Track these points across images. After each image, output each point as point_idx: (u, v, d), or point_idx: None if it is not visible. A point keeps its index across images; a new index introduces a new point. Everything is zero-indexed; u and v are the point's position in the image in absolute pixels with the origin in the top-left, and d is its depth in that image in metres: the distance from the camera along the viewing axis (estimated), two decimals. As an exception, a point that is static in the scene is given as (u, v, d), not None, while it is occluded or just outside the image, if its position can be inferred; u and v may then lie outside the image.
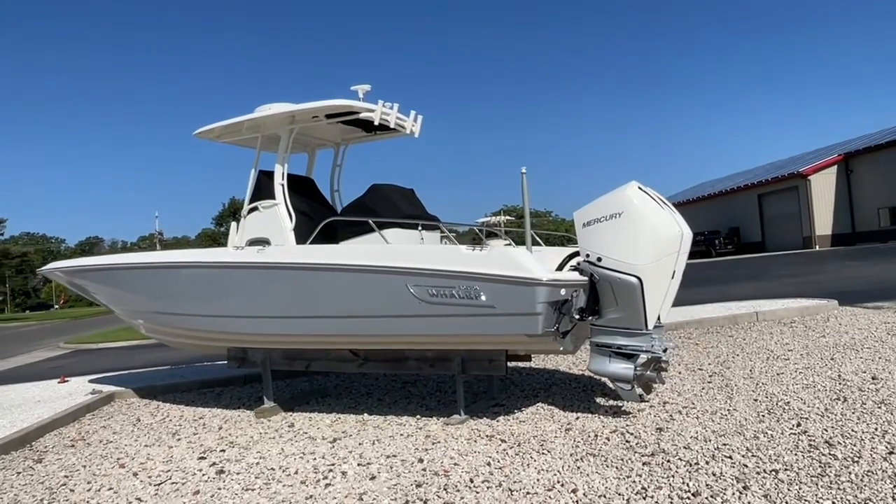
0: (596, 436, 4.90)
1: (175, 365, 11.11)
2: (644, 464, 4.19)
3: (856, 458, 3.90)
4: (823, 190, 36.04)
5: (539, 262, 4.98)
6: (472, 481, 4.15)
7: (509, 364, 5.62)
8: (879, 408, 4.86)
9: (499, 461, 4.51)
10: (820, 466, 3.85)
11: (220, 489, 4.46)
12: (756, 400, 5.49)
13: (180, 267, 6.62)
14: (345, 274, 5.50)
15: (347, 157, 7.65)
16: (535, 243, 6.52)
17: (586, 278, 5.13)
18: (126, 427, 6.84)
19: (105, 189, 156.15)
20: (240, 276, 6.20)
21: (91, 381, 9.83)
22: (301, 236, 6.21)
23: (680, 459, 4.20)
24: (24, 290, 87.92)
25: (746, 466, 3.96)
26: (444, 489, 4.06)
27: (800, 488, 3.56)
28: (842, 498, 3.39)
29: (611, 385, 5.66)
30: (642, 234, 4.99)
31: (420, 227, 6.32)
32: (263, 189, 6.55)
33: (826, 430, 4.48)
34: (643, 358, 5.15)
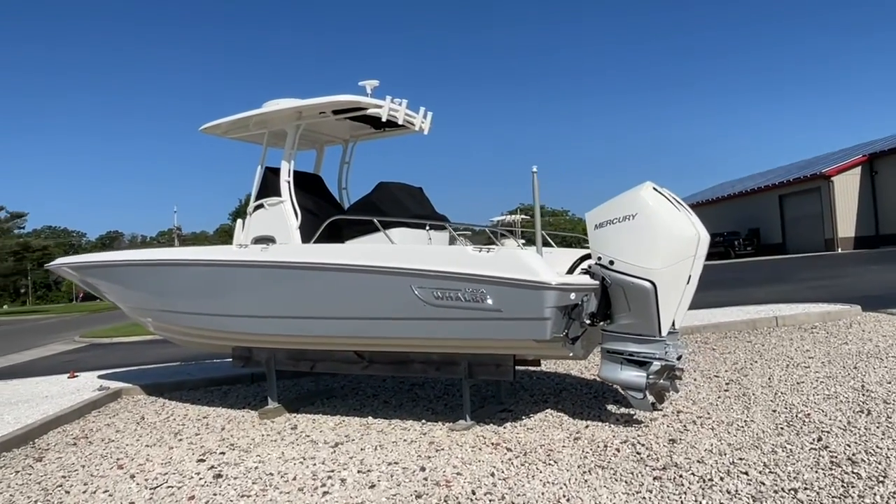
0: (605, 446, 4.71)
1: (185, 362, 11.07)
2: (655, 478, 3.99)
3: (881, 478, 3.68)
4: (847, 191, 35.31)
5: (548, 265, 4.79)
6: (473, 493, 3.99)
7: (519, 368, 5.47)
8: (906, 422, 4.62)
9: (503, 472, 4.34)
10: (842, 486, 3.63)
11: (215, 495, 4.33)
12: (774, 411, 5.27)
13: (183, 265, 6.52)
14: (348, 274, 5.36)
15: (357, 154, 7.52)
16: (546, 244, 6.35)
17: (597, 282, 4.93)
18: (130, 425, 6.76)
19: (126, 183, 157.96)
20: (242, 275, 6.08)
21: (100, 377, 9.80)
22: (307, 235, 6.07)
23: (693, 474, 4.00)
24: (45, 283, 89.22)
25: (763, 484, 3.76)
26: (445, 501, 3.90)
27: (820, 510, 3.36)
28: (866, 522, 3.18)
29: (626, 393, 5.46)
30: (657, 237, 4.79)
31: (428, 227, 6.16)
32: (269, 186, 6.43)
33: (849, 446, 4.25)
34: (656, 366, 4.95)
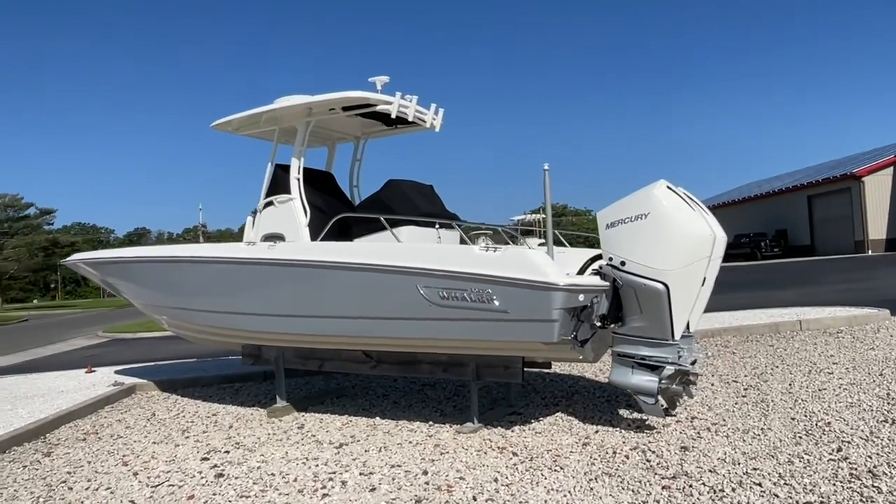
0: (615, 453, 4.56)
1: (201, 358, 11.11)
2: (663, 488, 3.85)
3: (903, 493, 3.49)
4: (878, 192, 34.42)
5: (556, 265, 4.66)
6: (474, 500, 3.88)
7: (531, 370, 5.33)
8: (932, 434, 4.40)
9: (507, 477, 4.22)
10: (861, 500, 3.45)
11: (214, 495, 4.28)
12: (793, 419, 5.07)
13: (192, 262, 6.50)
14: (353, 273, 5.28)
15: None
16: (558, 244, 6.22)
17: (608, 283, 4.79)
18: (140, 422, 6.77)
19: (153, 181, 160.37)
20: (249, 273, 6.04)
21: (116, 372, 9.88)
22: (316, 232, 6.01)
23: (703, 484, 3.84)
24: (74, 279, 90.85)
25: (777, 497, 3.59)
26: (445, 507, 3.80)
27: (837, 526, 3.19)
28: (885, 540, 3.01)
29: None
30: (670, 238, 4.63)
31: (438, 226, 6.05)
32: (279, 183, 6.38)
33: (870, 458, 4.05)
34: (669, 370, 4.79)
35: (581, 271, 5.18)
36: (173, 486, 4.54)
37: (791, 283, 18.62)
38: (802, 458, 4.17)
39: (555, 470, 4.29)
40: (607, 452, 4.58)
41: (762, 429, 4.86)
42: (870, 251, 33.51)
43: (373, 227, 5.87)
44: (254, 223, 6.53)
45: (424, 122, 6.40)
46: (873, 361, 6.92)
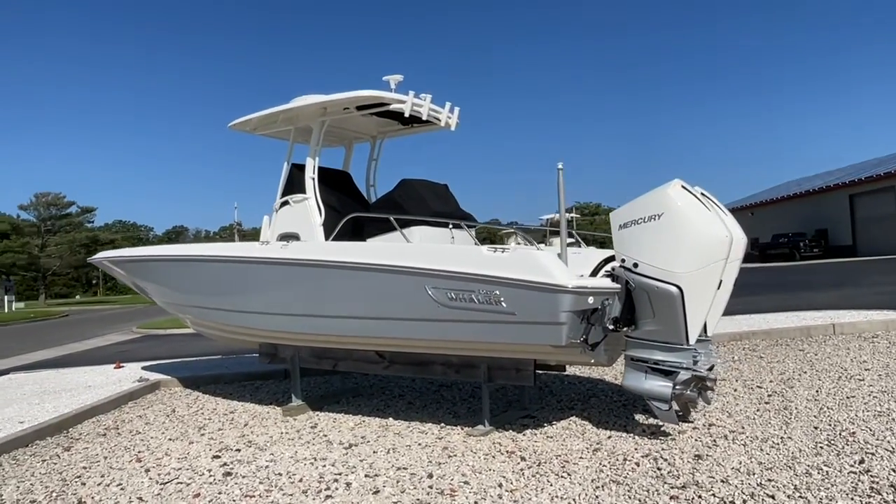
0: (625, 459, 4.44)
1: (225, 355, 11.26)
2: (672, 497, 3.72)
3: (925, 510, 3.31)
4: (925, 190, 33.15)
5: (565, 267, 4.55)
6: (476, 505, 3.81)
7: (548, 373, 5.21)
8: (963, 447, 4.18)
9: (512, 482, 4.14)
10: (879, 517, 3.28)
11: (220, 493, 4.30)
12: (816, 427, 4.87)
13: (208, 261, 6.56)
14: (362, 273, 5.25)
15: (384, 149, 7.42)
16: (573, 244, 6.11)
17: (619, 286, 4.66)
18: (159, 418, 6.87)
19: (192, 179, 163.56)
20: (262, 272, 6.07)
21: (143, 369, 10.07)
22: (330, 232, 6.01)
23: (714, 496, 3.71)
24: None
25: (790, 510, 3.44)
26: (445, 512, 3.75)
27: (851, 543, 3.04)
28: (901, 560, 2.85)
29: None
30: (684, 239, 4.48)
31: (451, 226, 5.99)
32: (295, 183, 6.40)
33: (894, 471, 3.86)
34: (683, 375, 4.64)
35: (594, 273, 5.06)
36: (182, 483, 4.58)
37: (829, 284, 18.03)
38: (822, 469, 4.00)
39: (562, 476, 4.20)
40: (617, 459, 4.46)
41: (782, 438, 4.68)
42: (915, 252, 32.29)
43: (385, 227, 5.84)
44: (270, 222, 6.56)
45: (439, 120, 6.34)
46: (908, 368, 6.64)
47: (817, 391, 6.01)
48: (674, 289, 4.49)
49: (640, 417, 5.51)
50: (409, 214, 5.74)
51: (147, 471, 4.94)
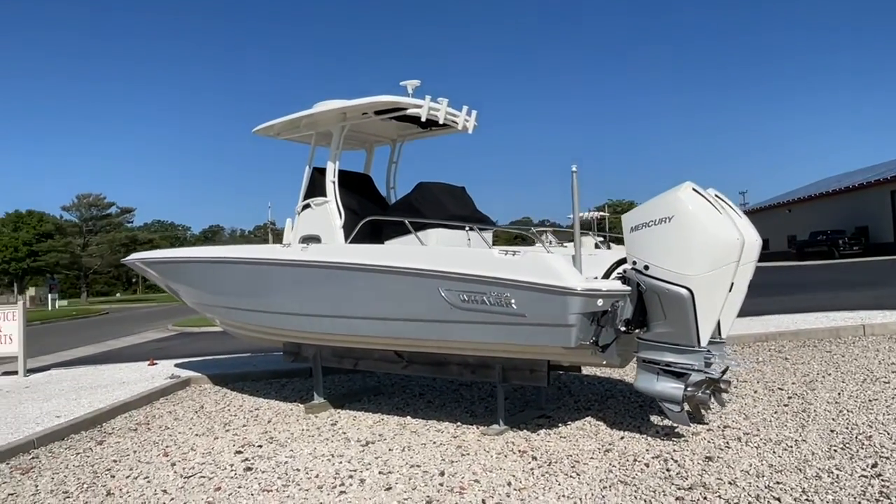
0: (635, 460, 4.48)
1: (255, 353, 11.52)
2: (677, 499, 3.76)
3: (933, 515, 3.29)
4: (971, 186, 32.01)
5: (574, 269, 4.60)
6: (483, 503, 3.90)
7: (566, 373, 5.23)
8: (982, 452, 4.11)
9: (521, 481, 4.22)
10: (885, 521, 3.27)
11: (239, 488, 4.47)
12: (833, 430, 4.83)
13: (232, 262, 6.77)
14: (376, 275, 5.38)
15: (404, 153, 7.53)
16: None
17: (628, 288, 4.70)
18: (188, 414, 7.11)
19: (229, 179, 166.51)
20: (283, 274, 6.24)
21: (175, 366, 10.39)
22: (350, 234, 6.15)
23: (719, 497, 3.73)
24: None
25: (795, 513, 3.45)
26: (453, 509, 3.84)
27: (852, 547, 3.04)
28: (901, 565, 2.85)
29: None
30: (694, 242, 4.50)
31: (467, 228, 6.08)
32: (316, 186, 6.56)
33: (906, 476, 3.83)
34: (695, 377, 4.66)
35: (607, 274, 5.10)
36: (204, 477, 4.76)
37: (865, 283, 17.58)
38: (832, 472, 3.99)
39: (571, 476, 4.26)
40: (628, 460, 4.50)
41: (796, 440, 4.66)
42: (960, 250, 31.21)
43: (402, 230, 5.95)
44: (293, 225, 6.73)
45: (456, 123, 6.43)
46: (936, 371, 6.50)
47: (839, 393, 5.94)
48: (684, 291, 4.51)
49: (655, 419, 5.53)
50: (425, 217, 5.84)
51: (173, 465, 5.15)
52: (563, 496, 3.92)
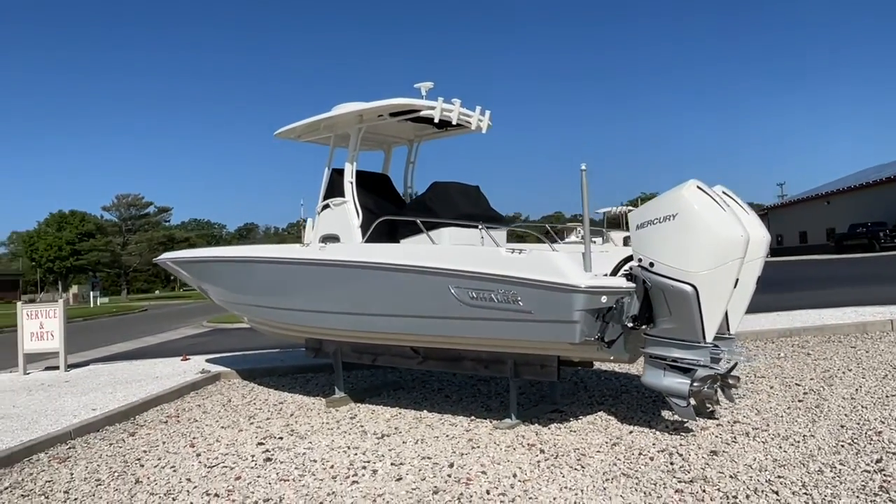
0: (640, 454, 4.56)
1: (283, 349, 11.83)
2: (677, 491, 3.84)
3: (929, 510, 3.31)
4: None
5: (578, 267, 4.70)
6: (488, 493, 4.04)
7: (586, 369, 5.30)
8: None
9: (526, 474, 4.34)
10: (880, 515, 3.31)
11: (258, 477, 4.69)
12: (843, 426, 4.84)
13: (255, 262, 7.01)
14: (391, 273, 5.55)
15: (421, 153, 7.69)
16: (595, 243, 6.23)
17: (632, 285, 4.77)
18: (216, 407, 7.40)
19: (263, 178, 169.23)
20: (303, 273, 6.46)
21: (207, 361, 10.75)
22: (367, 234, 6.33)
23: (718, 490, 3.80)
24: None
25: (791, 506, 3.50)
26: (458, 499, 3.99)
27: (843, 539, 3.10)
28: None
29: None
30: (698, 239, 4.55)
31: (481, 227, 6.21)
32: (335, 187, 6.75)
33: (909, 471, 3.84)
34: (701, 373, 4.71)
35: (615, 271, 5.18)
36: (226, 467, 5.00)
37: (902, 277, 17.17)
38: (835, 467, 4.02)
39: (575, 469, 4.37)
40: (633, 453, 4.59)
41: (804, 436, 4.68)
42: None
43: (417, 229, 6.11)
44: (313, 225, 6.95)
45: (470, 124, 6.55)
46: (959, 367, 6.40)
47: (857, 389, 5.91)
48: (688, 288, 4.57)
49: (665, 414, 5.58)
50: (438, 216, 5.99)
51: (198, 455, 5.40)
52: (566, 488, 4.04)
